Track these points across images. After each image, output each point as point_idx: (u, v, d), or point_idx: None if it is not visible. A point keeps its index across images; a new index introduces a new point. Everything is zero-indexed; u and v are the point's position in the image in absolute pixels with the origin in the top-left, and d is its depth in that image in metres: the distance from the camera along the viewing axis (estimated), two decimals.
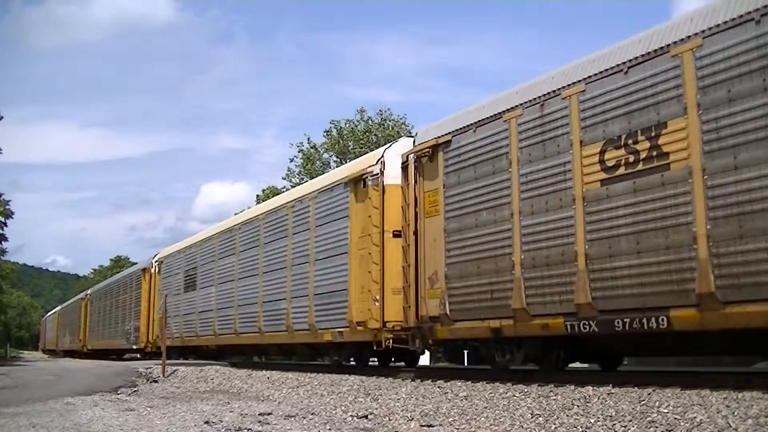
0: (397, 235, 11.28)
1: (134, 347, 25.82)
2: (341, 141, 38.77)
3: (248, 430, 6.47)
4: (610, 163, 7.55)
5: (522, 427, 5.97)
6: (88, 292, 38.11)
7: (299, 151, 39.80)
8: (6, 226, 34.07)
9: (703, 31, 6.81)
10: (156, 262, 24.13)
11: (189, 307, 20.28)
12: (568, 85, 8.20)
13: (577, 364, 10.67)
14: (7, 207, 33.61)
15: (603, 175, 7.62)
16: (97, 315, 34.25)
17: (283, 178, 40.79)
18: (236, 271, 17.24)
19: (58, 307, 55.76)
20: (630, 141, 7.34)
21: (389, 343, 11.20)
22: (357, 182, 12.45)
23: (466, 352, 11.95)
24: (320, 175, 26.81)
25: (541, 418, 6.09)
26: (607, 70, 7.75)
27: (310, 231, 13.79)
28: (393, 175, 11.66)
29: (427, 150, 10.41)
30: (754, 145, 6.28)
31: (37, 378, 15.59)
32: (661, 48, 7.21)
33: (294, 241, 14.49)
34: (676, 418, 5.30)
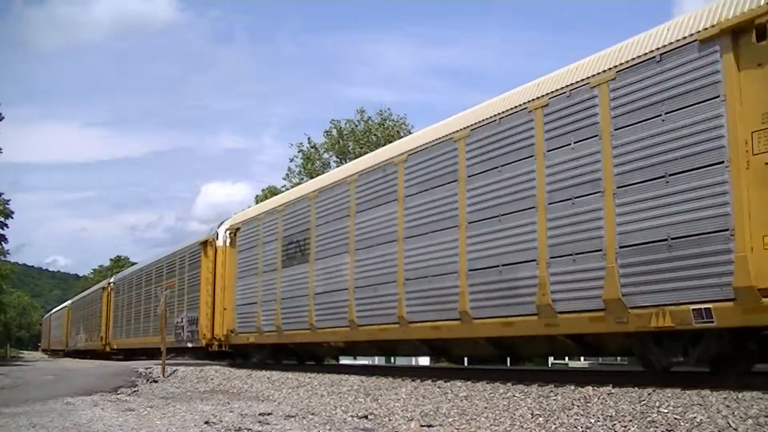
0: None
1: (190, 345, 19.68)
2: (341, 141, 38.82)
3: (248, 430, 6.47)
4: None
5: (522, 427, 5.96)
6: (111, 280, 32.53)
7: (299, 151, 39.86)
8: (6, 226, 34.10)
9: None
10: (227, 230, 17.53)
11: (293, 288, 13.87)
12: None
13: (578, 364, 10.65)
14: (7, 206, 33.62)
15: None
16: (125, 307, 28.07)
17: (284, 178, 40.87)
18: (399, 228, 10.84)
19: (68, 301, 48.62)
20: None
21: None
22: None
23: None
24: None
25: (541, 418, 6.09)
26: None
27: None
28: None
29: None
30: None
31: (37, 378, 15.59)
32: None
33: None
34: (676, 418, 5.30)
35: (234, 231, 17.05)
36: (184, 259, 21.10)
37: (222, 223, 18.39)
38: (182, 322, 20.22)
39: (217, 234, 17.96)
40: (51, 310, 70.54)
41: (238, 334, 16.16)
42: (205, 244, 18.89)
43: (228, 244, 17.42)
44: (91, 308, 36.34)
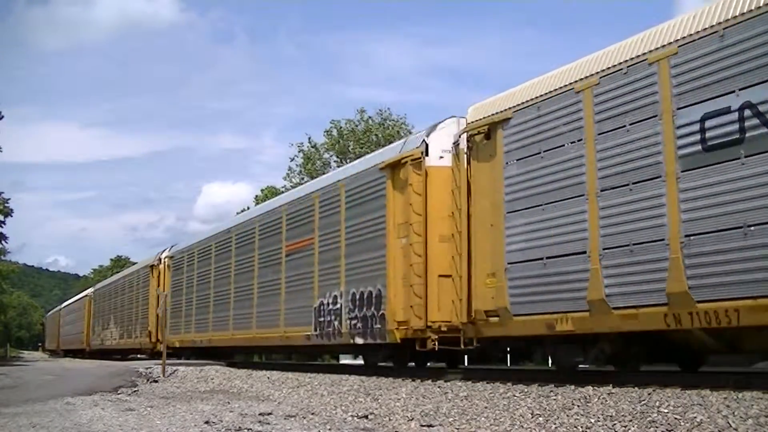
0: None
1: (362, 341, 12.08)
2: (341, 141, 38.82)
3: (248, 430, 6.47)
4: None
5: (522, 427, 5.96)
6: (166, 254, 23.98)
7: (299, 151, 39.86)
8: (4, 224, 34.07)
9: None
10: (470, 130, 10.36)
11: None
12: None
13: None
14: (7, 205, 33.60)
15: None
16: (195, 289, 20.36)
17: (284, 178, 40.87)
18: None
19: (89, 290, 40.59)
20: None
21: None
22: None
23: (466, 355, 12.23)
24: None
25: (541, 418, 6.09)
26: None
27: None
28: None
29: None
30: None
31: (37, 378, 15.59)
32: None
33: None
34: (676, 418, 5.30)
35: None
36: (332, 199, 13.11)
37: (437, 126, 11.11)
38: (334, 302, 12.63)
39: (426, 145, 10.85)
40: (51, 309, 69.54)
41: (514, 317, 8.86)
42: (397, 166, 11.21)
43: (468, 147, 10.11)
44: (128, 295, 28.64)
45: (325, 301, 12.88)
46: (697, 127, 6.86)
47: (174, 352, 21.81)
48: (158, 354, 21.61)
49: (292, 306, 14.30)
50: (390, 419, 7.01)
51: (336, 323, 12.51)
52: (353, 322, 11.95)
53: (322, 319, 13.04)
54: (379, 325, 11.23)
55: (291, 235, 14.62)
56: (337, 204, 12.95)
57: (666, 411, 5.54)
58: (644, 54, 7.47)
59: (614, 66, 7.84)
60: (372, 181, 11.89)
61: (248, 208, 34.06)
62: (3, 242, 35.18)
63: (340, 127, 39.04)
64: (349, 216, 12.45)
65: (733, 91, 6.60)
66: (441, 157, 10.70)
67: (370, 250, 11.73)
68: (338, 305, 12.46)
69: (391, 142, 20.33)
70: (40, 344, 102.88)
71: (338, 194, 12.93)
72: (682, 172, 6.98)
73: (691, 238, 6.83)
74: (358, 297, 11.90)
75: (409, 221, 10.65)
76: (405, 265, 10.72)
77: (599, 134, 7.87)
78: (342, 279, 12.47)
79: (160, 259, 24.26)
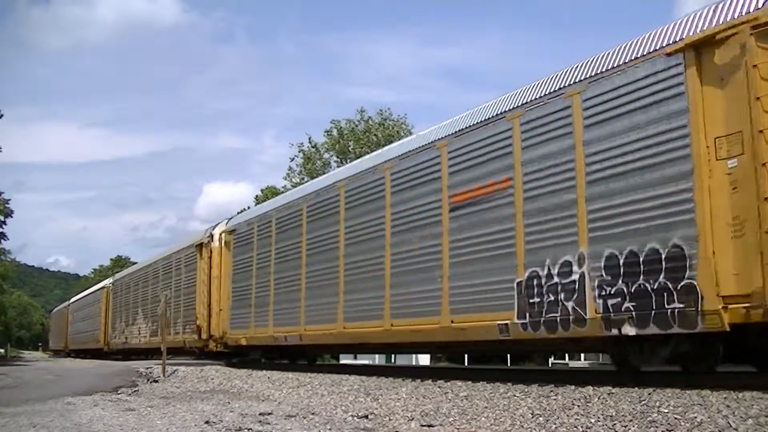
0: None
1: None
2: (342, 141, 38.85)
3: (248, 429, 6.47)
4: None
5: (522, 427, 5.97)
6: (218, 231, 19.29)
7: (300, 151, 39.89)
8: (5, 224, 34.08)
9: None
10: None
11: None
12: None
13: (578, 364, 10.63)
14: (7, 206, 33.57)
15: None
16: (279, 273, 15.23)
17: (284, 178, 40.91)
18: None
19: (107, 280, 34.74)
20: None
21: None
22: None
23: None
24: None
25: (541, 418, 6.10)
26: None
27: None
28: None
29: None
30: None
31: (38, 378, 15.59)
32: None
33: None
34: (676, 418, 5.30)
35: None
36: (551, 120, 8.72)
37: None
38: (564, 272, 8.41)
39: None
40: (51, 310, 69.18)
41: None
42: None
43: None
44: (163, 284, 23.72)
45: (542, 272, 8.58)
46: None
47: (235, 351, 18.12)
48: (212, 354, 19.26)
49: (466, 283, 9.71)
50: (390, 419, 7.01)
51: (572, 304, 8.15)
52: (613, 301, 7.64)
53: (536, 299, 8.66)
54: (681, 304, 6.90)
55: (462, 180, 9.96)
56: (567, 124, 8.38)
57: (666, 411, 5.55)
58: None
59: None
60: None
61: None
62: (2, 242, 35.23)
63: (341, 127, 39.11)
64: (592, 138, 8.01)
65: None
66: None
67: (654, 183, 7.34)
68: (575, 276, 8.15)
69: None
70: (40, 344, 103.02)
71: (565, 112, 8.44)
72: None
73: None
74: (623, 260, 7.58)
75: None
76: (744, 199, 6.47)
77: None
78: (582, 233, 8.09)
79: (211, 236, 19.06)
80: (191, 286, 20.62)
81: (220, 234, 18.89)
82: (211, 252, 19.05)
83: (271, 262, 15.52)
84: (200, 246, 19.83)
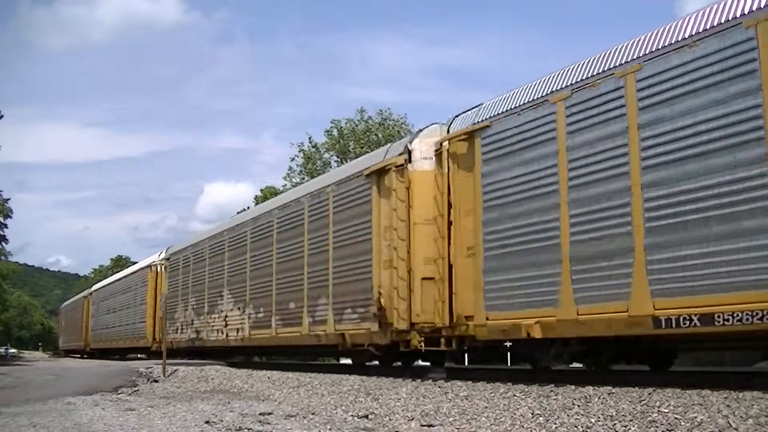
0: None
1: None
2: (342, 141, 38.84)
3: (249, 429, 6.47)
4: None
5: (522, 426, 5.97)
6: (401, 147, 11.49)
7: (300, 151, 39.88)
8: (6, 227, 34.00)
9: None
10: None
11: None
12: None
13: (578, 364, 10.63)
14: (6, 205, 33.48)
15: None
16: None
17: (284, 178, 40.90)
18: None
19: (154, 256, 26.28)
20: None
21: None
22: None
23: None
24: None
25: (541, 418, 6.09)
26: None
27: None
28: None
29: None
30: None
31: (38, 378, 15.59)
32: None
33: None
34: (676, 418, 5.30)
35: None
36: None
37: None
38: None
39: None
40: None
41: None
42: None
43: None
44: (284, 242, 15.03)
45: None
46: None
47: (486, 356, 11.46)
48: (412, 355, 12.23)
49: None
50: (390, 419, 7.01)
51: None
52: None
53: None
54: None
55: None
56: None
57: (666, 411, 5.54)
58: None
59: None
60: None
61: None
62: (3, 243, 35.16)
63: (341, 127, 39.08)
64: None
65: None
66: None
67: None
68: None
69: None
70: (40, 344, 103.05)
71: None
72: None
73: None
74: None
75: None
76: None
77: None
78: None
79: (409, 152, 11.14)
80: (360, 239, 12.02)
81: (440, 143, 10.56)
82: (409, 181, 10.99)
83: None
84: (382, 171, 11.54)
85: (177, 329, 21.35)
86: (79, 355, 41.38)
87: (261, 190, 44.41)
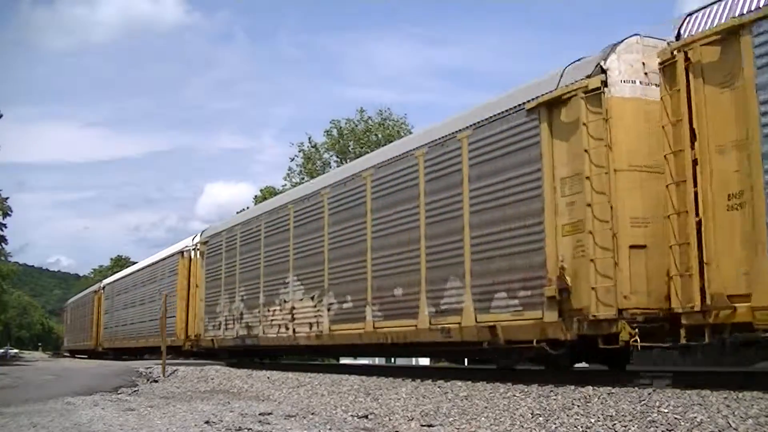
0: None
1: None
2: (341, 141, 38.85)
3: (248, 429, 6.47)
4: None
5: (522, 426, 5.97)
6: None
7: (300, 151, 39.88)
8: (5, 226, 33.97)
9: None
10: None
11: None
12: None
13: (577, 364, 10.57)
14: (6, 204, 33.46)
15: None
16: None
17: (284, 178, 40.89)
18: None
19: (186, 240, 22.84)
20: None
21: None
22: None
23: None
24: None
25: (541, 418, 6.10)
26: None
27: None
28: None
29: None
30: None
31: (37, 378, 15.60)
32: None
33: None
34: (676, 418, 5.30)
35: None
36: None
37: None
38: None
39: None
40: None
41: None
42: None
43: None
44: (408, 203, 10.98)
45: None
46: None
47: None
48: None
49: None
50: (390, 419, 7.01)
51: None
52: None
53: None
54: None
55: None
56: None
57: (666, 411, 5.54)
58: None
59: None
60: None
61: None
62: (2, 244, 35.16)
63: (340, 127, 39.09)
64: None
65: None
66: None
67: None
68: None
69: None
70: (40, 344, 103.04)
71: None
72: None
73: None
74: None
75: None
76: None
77: None
78: None
79: (603, 72, 7.90)
80: (522, 197, 8.80)
81: (672, 53, 7.38)
82: (608, 111, 7.81)
83: None
84: (556, 102, 8.36)
85: (219, 325, 17.53)
86: (86, 356, 37.35)
87: (260, 190, 44.40)
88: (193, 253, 21.01)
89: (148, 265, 26.47)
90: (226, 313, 17.20)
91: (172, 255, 22.94)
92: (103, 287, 34.17)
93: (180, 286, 21.36)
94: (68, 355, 46.40)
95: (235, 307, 16.71)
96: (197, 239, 20.64)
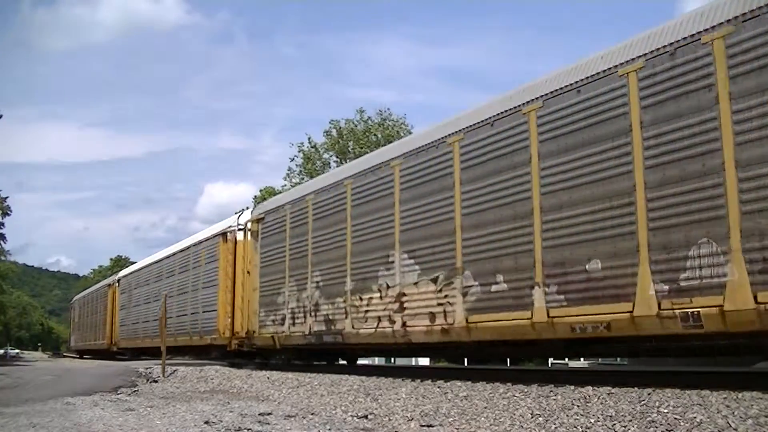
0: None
1: None
2: (341, 141, 38.88)
3: (248, 430, 6.47)
4: None
5: (522, 427, 5.97)
6: None
7: (299, 151, 39.91)
8: (3, 225, 33.96)
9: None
10: None
11: None
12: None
13: (577, 364, 10.62)
14: (5, 204, 33.46)
15: None
16: None
17: (284, 178, 40.91)
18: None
19: (241, 213, 19.13)
20: None
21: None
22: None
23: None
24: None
25: (541, 418, 6.10)
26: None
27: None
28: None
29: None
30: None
31: (37, 378, 15.59)
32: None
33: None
34: (676, 418, 5.31)
35: None
36: None
37: None
38: None
39: None
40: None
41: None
42: None
43: None
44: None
45: None
46: None
47: None
48: None
49: None
50: (390, 419, 7.01)
51: None
52: None
53: None
54: None
55: None
56: None
57: (666, 411, 5.55)
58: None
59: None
60: None
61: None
62: (2, 242, 35.19)
63: (340, 128, 39.12)
64: None
65: None
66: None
67: None
68: None
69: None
70: (39, 344, 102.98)
71: None
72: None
73: None
74: None
75: None
76: None
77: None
78: None
79: None
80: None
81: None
82: None
83: None
84: None
85: (282, 320, 14.29)
86: (98, 357, 33.83)
87: (260, 191, 44.41)
88: (240, 234, 17.49)
89: (176, 253, 22.70)
90: (293, 304, 13.90)
91: (211, 237, 19.30)
92: (119, 280, 30.77)
93: (222, 273, 17.93)
94: (74, 355, 43.46)
95: (306, 296, 13.50)
96: (245, 217, 17.56)
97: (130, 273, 29.57)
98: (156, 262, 25.43)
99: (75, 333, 43.79)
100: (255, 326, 15.42)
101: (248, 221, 16.77)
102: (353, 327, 11.93)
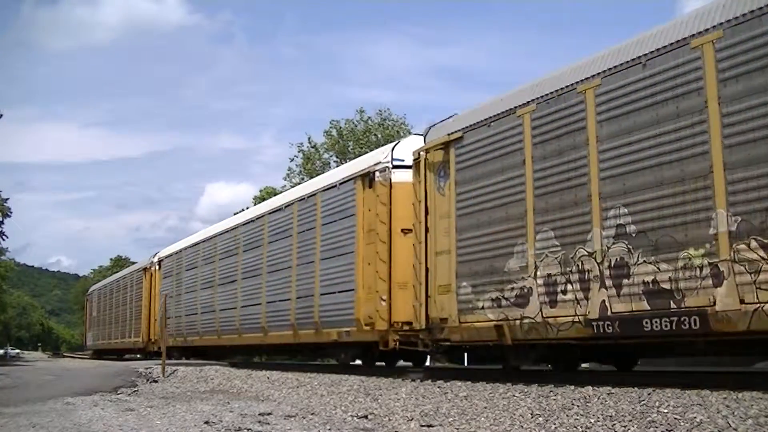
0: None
1: None
2: (341, 141, 38.87)
3: (248, 430, 6.47)
4: None
5: (522, 427, 5.96)
6: None
7: (299, 151, 39.90)
8: (2, 224, 33.94)
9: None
10: None
11: None
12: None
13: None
14: (5, 204, 33.43)
15: None
16: None
17: (284, 178, 40.90)
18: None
19: (389, 151, 12.38)
20: None
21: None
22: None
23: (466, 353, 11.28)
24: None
25: (541, 418, 6.09)
26: None
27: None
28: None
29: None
30: None
31: (37, 378, 15.59)
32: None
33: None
34: (676, 418, 5.30)
35: None
36: None
37: None
38: None
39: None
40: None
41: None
42: None
43: None
44: None
45: None
46: None
47: None
48: None
49: None
50: (390, 419, 7.01)
51: None
52: None
53: None
54: None
55: None
56: None
57: (666, 411, 5.54)
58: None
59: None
60: None
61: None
62: (1, 239, 35.17)
63: (340, 128, 39.12)
64: None
65: None
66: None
67: None
68: None
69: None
70: (39, 344, 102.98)
71: None
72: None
73: None
74: None
75: None
76: None
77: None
78: None
79: None
80: None
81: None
82: None
83: None
84: None
85: (517, 297, 8.80)
86: (116, 358, 29.26)
87: (260, 191, 44.40)
88: (398, 173, 12.10)
89: (264, 215, 16.69)
90: (552, 270, 8.34)
91: (340, 184, 13.54)
92: (160, 261, 24.77)
93: (363, 235, 12.43)
94: (91, 356, 36.47)
95: (588, 253, 7.92)
96: (410, 145, 11.78)
97: (180, 251, 23.03)
98: (225, 231, 19.21)
99: (93, 329, 36.66)
100: (451, 310, 9.87)
101: (423, 149, 10.83)
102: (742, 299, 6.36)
